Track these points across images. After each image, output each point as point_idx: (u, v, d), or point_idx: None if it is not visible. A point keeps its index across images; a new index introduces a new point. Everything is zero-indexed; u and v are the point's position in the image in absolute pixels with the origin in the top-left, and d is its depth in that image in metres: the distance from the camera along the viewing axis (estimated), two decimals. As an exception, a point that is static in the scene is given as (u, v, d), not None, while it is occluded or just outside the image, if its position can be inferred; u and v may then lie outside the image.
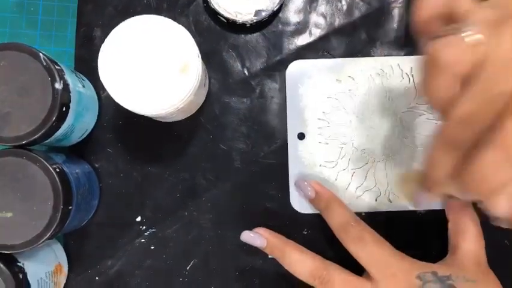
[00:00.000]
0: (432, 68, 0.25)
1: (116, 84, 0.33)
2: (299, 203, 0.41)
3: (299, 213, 0.41)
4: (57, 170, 0.33)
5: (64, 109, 0.34)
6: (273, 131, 0.42)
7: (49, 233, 0.33)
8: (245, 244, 0.38)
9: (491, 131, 0.23)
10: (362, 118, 0.41)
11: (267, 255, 0.40)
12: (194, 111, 0.41)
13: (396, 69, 0.41)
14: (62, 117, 0.34)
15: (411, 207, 0.41)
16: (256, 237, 0.37)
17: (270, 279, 0.41)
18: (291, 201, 0.41)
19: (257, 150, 0.42)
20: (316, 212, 0.40)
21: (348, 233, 0.36)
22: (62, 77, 0.34)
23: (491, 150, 0.24)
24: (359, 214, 0.40)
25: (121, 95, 0.33)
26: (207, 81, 0.40)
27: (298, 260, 0.36)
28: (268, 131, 0.42)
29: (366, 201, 0.41)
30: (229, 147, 0.42)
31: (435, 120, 0.41)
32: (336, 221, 0.37)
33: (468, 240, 0.37)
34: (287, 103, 0.41)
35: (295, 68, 0.42)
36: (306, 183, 0.40)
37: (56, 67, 0.33)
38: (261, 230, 0.38)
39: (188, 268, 0.41)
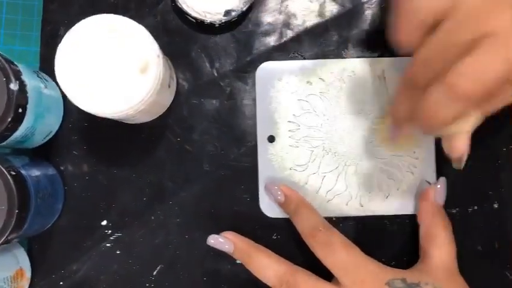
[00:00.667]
0: (402, 12, 0.27)
1: (74, 85, 0.32)
2: (269, 207, 0.40)
3: (269, 217, 0.41)
4: (13, 173, 0.32)
5: (20, 110, 0.33)
6: (243, 133, 0.41)
7: (3, 238, 0.32)
8: (213, 249, 0.38)
9: (443, 73, 0.25)
10: (334, 121, 0.40)
11: (235, 260, 0.39)
12: (161, 113, 0.40)
13: (368, 71, 0.41)
14: (18, 118, 0.33)
15: (382, 212, 0.40)
16: (224, 241, 0.37)
17: (238, 285, 0.40)
18: (260, 205, 0.40)
19: (226, 153, 0.41)
20: (286, 216, 0.39)
21: (316, 237, 0.35)
22: (18, 78, 0.33)
23: (436, 89, 0.26)
24: (329, 219, 0.39)
25: (79, 96, 0.32)
26: (174, 82, 0.39)
27: (266, 265, 0.35)
28: (238, 134, 0.41)
29: (337, 206, 0.40)
30: (198, 149, 0.41)
31: None
32: (304, 225, 0.37)
33: (439, 247, 0.36)
34: (257, 105, 0.41)
35: (265, 70, 0.41)
36: (276, 187, 0.39)
37: (12, 67, 0.33)
38: (229, 234, 0.37)
39: (155, 273, 0.40)
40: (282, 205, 0.39)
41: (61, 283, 0.40)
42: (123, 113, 0.33)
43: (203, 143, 0.41)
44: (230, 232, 0.38)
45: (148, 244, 0.41)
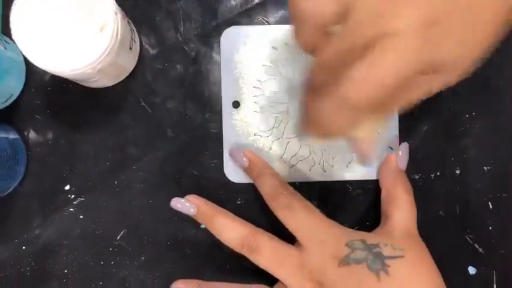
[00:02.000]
0: (296, 18, 0.25)
1: (31, 43, 0.32)
2: (233, 173, 0.40)
3: (233, 182, 0.41)
4: (-32, 131, 0.32)
5: (-25, 69, 0.32)
6: (207, 99, 0.41)
7: (-43, 196, 0.31)
8: (177, 213, 0.38)
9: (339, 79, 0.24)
10: (298, 86, 0.40)
11: (199, 224, 0.39)
12: (123, 77, 0.40)
13: None
14: (-27, 76, 0.32)
15: (346, 178, 0.41)
16: (187, 204, 0.37)
17: (202, 249, 0.40)
18: (224, 170, 0.40)
19: (190, 119, 0.41)
20: (250, 181, 0.39)
21: (278, 200, 0.36)
22: (-27, 35, 0.32)
23: (329, 97, 0.24)
24: (293, 184, 0.39)
25: (36, 54, 0.32)
26: (136, 45, 0.39)
27: (228, 227, 0.36)
28: (203, 99, 0.41)
29: (301, 171, 0.40)
30: (161, 115, 0.41)
31: None
32: (267, 189, 0.37)
33: (399, 209, 0.37)
34: (221, 70, 0.40)
35: (230, 35, 0.40)
36: (240, 152, 0.39)
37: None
38: (192, 197, 0.37)
39: (118, 238, 0.40)
40: (245, 170, 0.39)
41: (24, 247, 0.40)
42: (81, 71, 0.32)
43: (167, 108, 0.41)
44: (193, 195, 0.37)
45: (111, 209, 0.40)
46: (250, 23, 0.41)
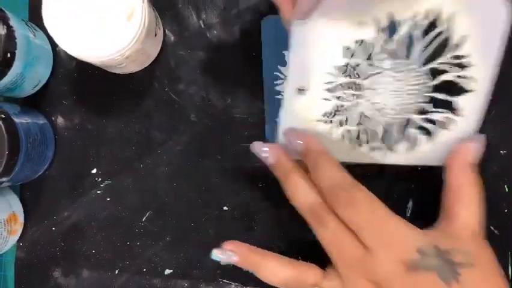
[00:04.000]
0: None
1: (61, 30, 0.33)
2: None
3: (255, 166, 0.41)
4: (3, 116, 0.33)
5: (8, 55, 0.34)
6: (230, 85, 0.42)
7: (-5, 178, 0.33)
8: (200, 196, 0.39)
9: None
10: (380, 78, 0.34)
11: (222, 206, 0.40)
12: (148, 63, 0.41)
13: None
14: (7, 63, 0.34)
15: (405, 162, 0.37)
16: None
17: (225, 229, 0.42)
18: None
19: (213, 104, 0.42)
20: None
21: (339, 196, 0.31)
22: (6, 23, 0.33)
23: None
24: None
25: (66, 40, 0.33)
26: (160, 32, 0.40)
27: (301, 190, 0.33)
28: (225, 85, 0.42)
29: (361, 152, 0.36)
30: (185, 100, 0.42)
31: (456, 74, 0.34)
32: (326, 182, 0.32)
33: (467, 209, 0.32)
34: (290, 52, 0.33)
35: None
36: (295, 134, 0.34)
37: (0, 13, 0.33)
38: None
39: (144, 219, 0.42)
40: (301, 156, 0.34)
41: (53, 228, 0.42)
42: (109, 58, 0.33)
43: (190, 93, 0.42)
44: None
45: (137, 191, 0.42)
46: (274, 11, 0.42)
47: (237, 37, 0.42)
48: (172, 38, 0.42)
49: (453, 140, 0.35)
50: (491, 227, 0.42)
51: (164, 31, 0.41)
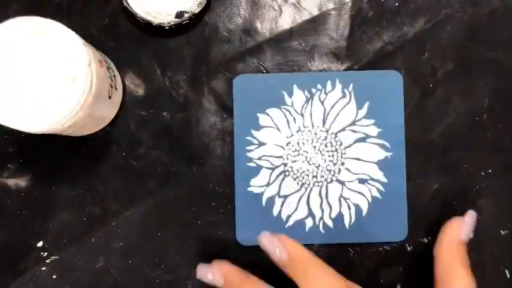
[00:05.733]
0: None
1: (-5, 97, 0.29)
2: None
3: (221, 242, 0.37)
4: None
5: None
6: (195, 149, 0.38)
7: None
8: (159, 276, 0.34)
9: None
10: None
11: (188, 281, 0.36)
12: (102, 126, 0.36)
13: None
14: None
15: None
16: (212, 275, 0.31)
17: (185, 317, 0.37)
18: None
19: (177, 171, 0.37)
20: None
21: None
22: None
23: None
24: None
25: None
26: (117, 92, 0.35)
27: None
28: (190, 150, 0.38)
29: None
30: (145, 166, 0.37)
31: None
32: None
33: (460, 285, 0.32)
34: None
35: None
36: (276, 239, 0.31)
37: None
38: (218, 266, 0.32)
39: (94, 301, 0.37)
40: (283, 264, 0.31)
41: (-10, 309, 0.37)
42: (49, 130, 0.29)
43: (151, 159, 0.37)
44: (219, 262, 0.32)
45: (87, 269, 0.37)
46: (245, 68, 0.38)
47: (206, 97, 0.37)
48: (134, 96, 0.37)
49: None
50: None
51: (124, 90, 0.37)
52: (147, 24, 0.36)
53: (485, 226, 0.38)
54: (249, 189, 0.37)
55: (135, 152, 0.37)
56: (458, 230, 0.34)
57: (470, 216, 0.35)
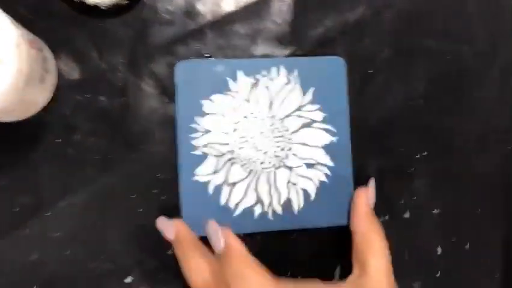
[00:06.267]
0: None
1: None
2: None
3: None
4: None
5: None
6: (135, 136, 0.36)
7: None
8: (99, 266, 0.33)
9: None
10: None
11: (124, 279, 0.35)
12: (35, 111, 0.34)
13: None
14: None
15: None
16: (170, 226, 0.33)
17: (126, 307, 0.36)
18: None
19: (116, 158, 0.36)
20: None
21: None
22: None
23: None
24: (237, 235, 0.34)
25: None
26: (51, 76, 0.33)
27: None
28: (129, 137, 0.36)
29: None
30: (82, 153, 0.36)
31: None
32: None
33: (377, 256, 0.33)
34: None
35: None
36: (218, 231, 0.32)
37: None
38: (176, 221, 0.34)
39: (29, 296, 0.35)
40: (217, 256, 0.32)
41: None
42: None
43: (88, 146, 0.36)
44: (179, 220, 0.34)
45: (20, 262, 0.35)
46: (187, 51, 0.37)
47: (145, 81, 0.36)
48: (68, 80, 0.36)
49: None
50: (422, 293, 0.39)
51: (58, 73, 0.35)
52: (81, 3, 0.34)
53: (420, 206, 0.40)
54: (195, 178, 0.35)
55: (71, 138, 0.35)
56: (366, 199, 0.36)
57: (372, 184, 0.36)
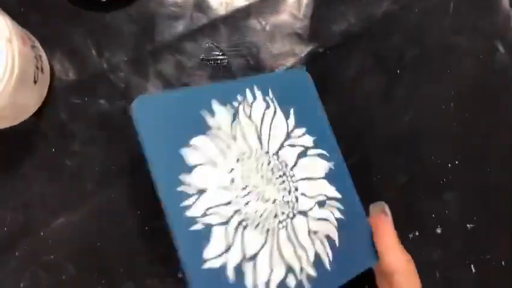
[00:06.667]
0: None
1: None
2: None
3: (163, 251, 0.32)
4: None
5: None
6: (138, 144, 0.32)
7: None
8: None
9: None
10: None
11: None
12: (26, 116, 0.30)
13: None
14: None
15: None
16: None
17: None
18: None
19: (118, 168, 0.32)
20: None
21: None
22: None
23: None
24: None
25: None
26: (44, 76, 0.30)
27: None
28: (134, 144, 0.32)
29: None
30: (80, 164, 0.32)
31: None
32: None
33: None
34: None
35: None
36: None
37: None
38: None
39: (19, 327, 0.31)
40: None
41: None
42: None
43: (87, 155, 0.32)
44: None
45: (11, 287, 0.31)
46: (197, 48, 0.33)
47: (152, 81, 0.32)
48: (64, 81, 0.31)
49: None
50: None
51: (52, 73, 0.31)
52: (80, -6, 0.30)
53: (452, 219, 0.36)
54: (206, 266, 0.25)
55: (67, 147, 0.32)
56: (393, 231, 0.31)
57: (387, 210, 0.32)
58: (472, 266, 0.37)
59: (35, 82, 0.27)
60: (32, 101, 0.29)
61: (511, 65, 0.38)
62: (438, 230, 0.36)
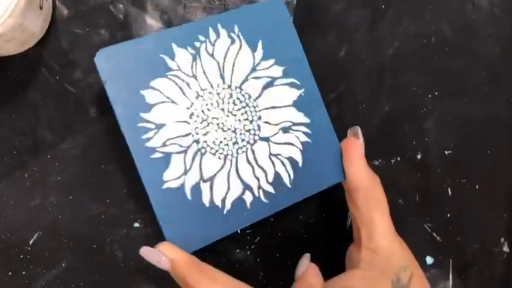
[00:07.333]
0: None
1: None
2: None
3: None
4: None
5: None
6: (139, 72, 0.34)
7: None
8: (104, 211, 0.31)
9: None
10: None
11: (132, 223, 0.33)
12: (31, 44, 0.32)
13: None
14: None
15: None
16: (158, 256, 0.29)
17: (132, 251, 0.34)
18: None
19: (119, 96, 0.34)
20: None
21: None
22: None
23: None
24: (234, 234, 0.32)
25: None
26: (48, 3, 0.31)
27: None
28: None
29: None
30: (82, 90, 0.33)
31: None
32: None
33: (384, 215, 0.32)
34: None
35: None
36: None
37: None
38: (164, 247, 0.29)
39: (31, 242, 0.33)
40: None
41: None
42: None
43: (89, 83, 0.33)
44: (167, 244, 0.29)
45: (21, 207, 0.33)
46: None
47: (150, 13, 0.34)
48: (66, 11, 0.33)
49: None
50: (434, 234, 0.39)
51: (54, 4, 0.32)
52: None
53: (431, 147, 0.39)
54: (165, 185, 0.30)
55: (70, 75, 0.33)
56: (361, 150, 0.32)
57: (359, 132, 0.33)
58: (449, 189, 0.40)
59: (40, 8, 0.29)
60: (37, 27, 0.30)
61: (489, 1, 0.40)
62: (419, 156, 0.39)
